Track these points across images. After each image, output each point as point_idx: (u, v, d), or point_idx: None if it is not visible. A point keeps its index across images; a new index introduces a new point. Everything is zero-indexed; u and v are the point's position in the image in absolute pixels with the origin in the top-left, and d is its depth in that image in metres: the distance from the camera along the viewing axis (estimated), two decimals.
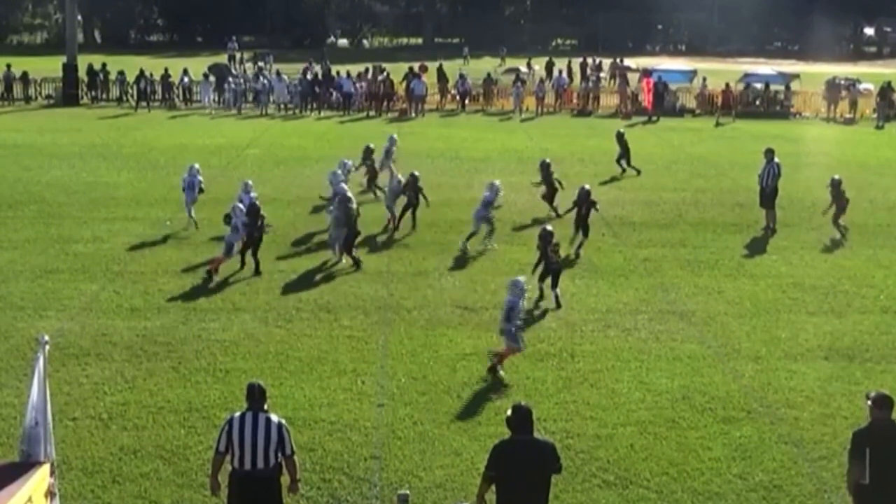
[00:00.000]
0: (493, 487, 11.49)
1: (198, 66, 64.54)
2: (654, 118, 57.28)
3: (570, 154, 43.17)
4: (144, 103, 58.81)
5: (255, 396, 12.06)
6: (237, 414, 12.14)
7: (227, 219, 25.03)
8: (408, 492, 12.37)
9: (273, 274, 24.53)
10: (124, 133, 48.08)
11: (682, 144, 43.47)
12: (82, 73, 61.33)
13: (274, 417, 12.07)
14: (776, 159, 30.93)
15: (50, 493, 10.34)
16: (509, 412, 11.70)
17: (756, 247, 28.10)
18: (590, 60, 74.13)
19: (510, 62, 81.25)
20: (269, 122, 53.92)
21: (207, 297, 22.68)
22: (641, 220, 30.98)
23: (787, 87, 62.39)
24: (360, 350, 19.60)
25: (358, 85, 60.15)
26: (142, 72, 60.25)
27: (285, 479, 12.27)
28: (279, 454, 11.94)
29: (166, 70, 61.39)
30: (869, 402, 12.13)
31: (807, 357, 19.74)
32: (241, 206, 25.42)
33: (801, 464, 15.14)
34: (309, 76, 62.60)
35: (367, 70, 64.72)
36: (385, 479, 14.54)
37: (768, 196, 30.48)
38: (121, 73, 61.33)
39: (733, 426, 16.56)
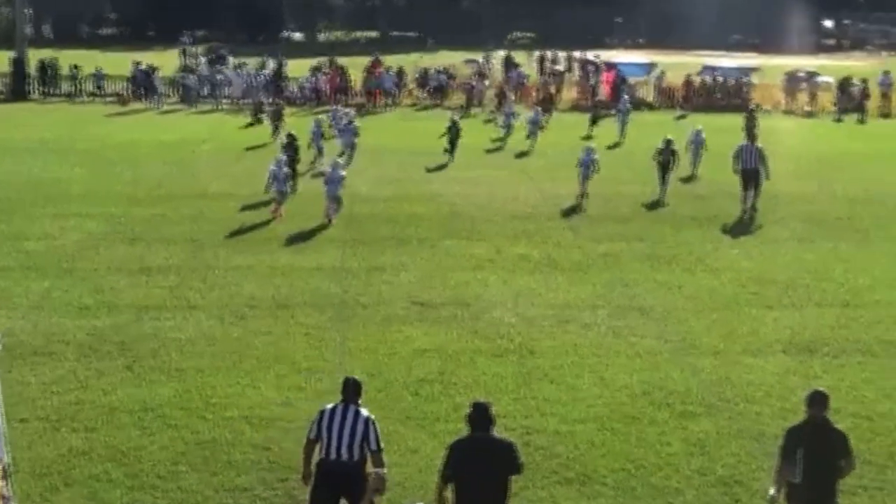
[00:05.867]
0: (452, 486, 11.50)
1: (150, 60, 63.99)
2: (613, 112, 57.28)
3: (531, 148, 43.31)
4: (97, 98, 58.39)
5: (349, 390, 12.47)
6: (329, 405, 12.48)
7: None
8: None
9: (228, 270, 24.44)
10: (76, 128, 47.77)
11: (640, 137, 43.51)
12: (32, 68, 60.82)
13: (364, 411, 12.32)
14: (759, 144, 32.34)
15: (2, 497, 10.25)
16: (470, 409, 11.70)
17: (715, 240, 28.22)
18: (548, 53, 74.10)
19: (465, 55, 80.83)
20: (224, 118, 53.68)
21: (161, 295, 22.54)
22: (599, 214, 31.05)
23: (747, 80, 62.82)
24: (317, 347, 19.54)
25: (309, 81, 60.03)
26: (96, 67, 60.04)
27: None
28: (364, 448, 12.16)
29: (129, 64, 60.90)
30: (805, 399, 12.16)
31: (766, 351, 19.84)
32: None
33: (760, 458, 15.17)
34: (266, 72, 62.37)
35: (319, 64, 64.40)
36: None
37: (752, 176, 31.45)
38: (74, 67, 60.90)
39: (692, 421, 16.62)
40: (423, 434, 15.89)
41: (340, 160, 30.82)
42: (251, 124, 50.44)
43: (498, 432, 11.93)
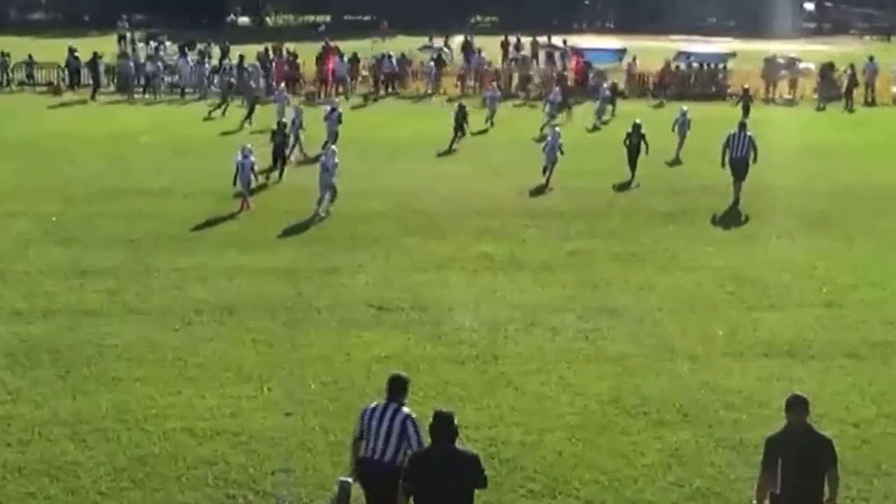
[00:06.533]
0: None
1: (86, 47, 63.50)
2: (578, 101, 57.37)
3: (492, 141, 43.37)
4: (28, 87, 58.00)
5: (394, 387, 12.71)
6: (373, 403, 12.76)
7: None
8: (350, 479, 12.37)
9: (170, 272, 24.34)
10: (5, 120, 47.26)
11: (612, 128, 43.79)
12: None
13: (405, 410, 12.48)
14: (749, 132, 32.83)
15: None
16: (431, 419, 11.71)
17: (691, 237, 28.32)
18: (512, 39, 74.01)
19: (423, 41, 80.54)
20: (165, 109, 53.44)
21: (98, 300, 22.42)
22: (568, 209, 31.12)
23: (724, 67, 63.22)
24: (267, 354, 19.51)
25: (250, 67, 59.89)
26: (30, 56, 59.72)
27: None
28: (401, 448, 12.30)
29: (63, 51, 60.41)
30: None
31: (746, 355, 19.95)
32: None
33: (740, 469, 15.26)
34: (208, 60, 62.01)
35: (266, 50, 64.11)
36: (294, 494, 14.48)
37: (741, 166, 32.15)
38: (3, 54, 60.32)
39: (668, 430, 16.69)
40: None
41: (334, 147, 31.24)
42: (211, 115, 50.27)
43: (460, 443, 11.94)
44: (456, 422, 11.64)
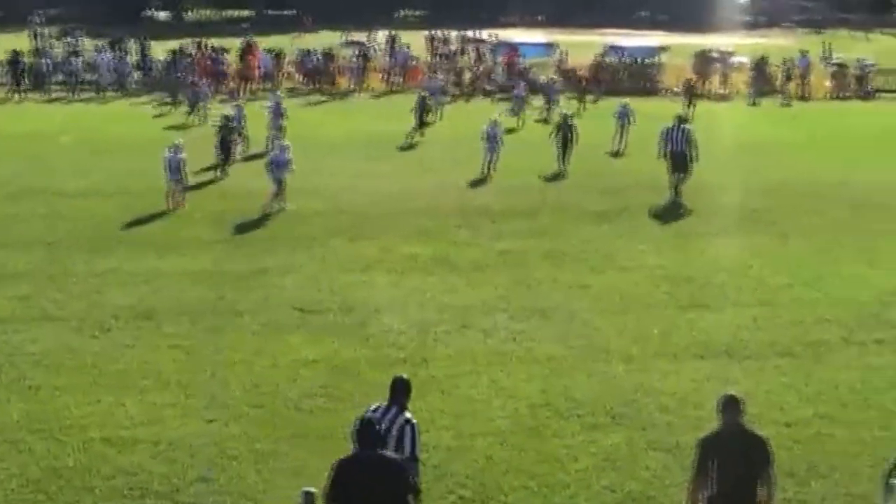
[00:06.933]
0: None
1: None
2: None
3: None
4: None
5: (396, 389, 12.67)
6: (375, 404, 12.63)
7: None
8: (313, 489, 12.22)
9: (88, 277, 24.06)
10: None
11: (542, 125, 43.86)
12: None
13: (406, 414, 12.37)
14: (686, 125, 33.87)
15: None
16: (356, 424, 11.60)
17: (625, 236, 28.38)
18: (438, 33, 74.09)
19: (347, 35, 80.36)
20: (83, 107, 52.94)
21: (11, 306, 22.10)
22: (499, 208, 31.11)
23: (656, 61, 63.78)
24: (186, 360, 19.30)
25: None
26: None
27: None
28: (398, 452, 12.11)
29: None
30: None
31: (681, 356, 19.98)
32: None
33: (675, 472, 15.24)
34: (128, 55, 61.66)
35: (180, 48, 63.66)
36: (217, 503, 14.36)
37: (680, 159, 32.76)
38: None
39: (601, 433, 16.68)
40: (306, 453, 15.74)
41: (287, 143, 31.25)
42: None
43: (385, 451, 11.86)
44: (381, 427, 11.58)
